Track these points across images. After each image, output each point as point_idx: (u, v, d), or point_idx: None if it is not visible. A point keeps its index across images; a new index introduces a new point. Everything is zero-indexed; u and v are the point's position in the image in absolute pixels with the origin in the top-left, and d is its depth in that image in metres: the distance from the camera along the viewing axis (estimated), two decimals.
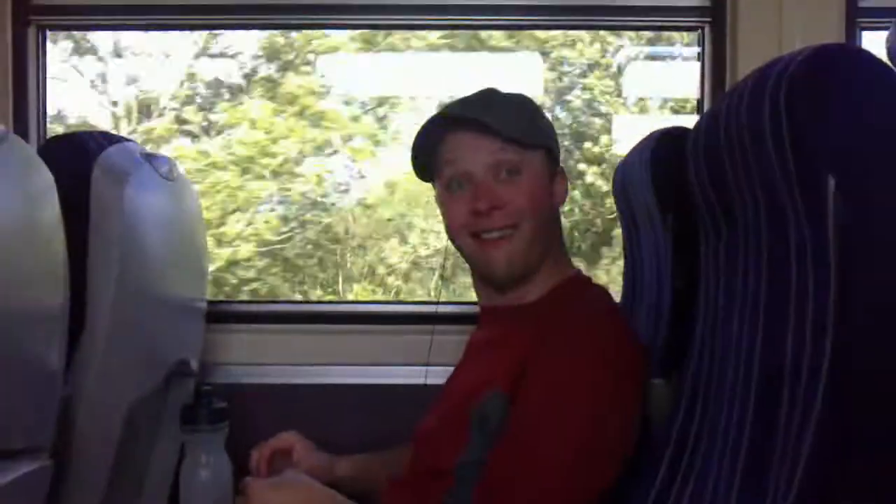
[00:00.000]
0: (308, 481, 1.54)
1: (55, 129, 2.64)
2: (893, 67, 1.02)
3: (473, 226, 1.51)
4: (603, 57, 4.18)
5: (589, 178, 4.14)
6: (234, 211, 4.24)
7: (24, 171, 1.39)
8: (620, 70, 4.05)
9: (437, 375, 1.81)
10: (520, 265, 1.52)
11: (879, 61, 0.98)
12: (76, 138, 1.73)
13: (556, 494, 1.32)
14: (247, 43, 3.85)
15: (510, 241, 1.50)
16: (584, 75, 4.11)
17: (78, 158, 1.64)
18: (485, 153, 1.49)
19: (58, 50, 3.32)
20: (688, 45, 2.75)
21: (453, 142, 1.52)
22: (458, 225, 1.53)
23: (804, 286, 0.99)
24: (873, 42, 2.28)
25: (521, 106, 1.58)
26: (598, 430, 1.35)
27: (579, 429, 1.34)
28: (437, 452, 1.52)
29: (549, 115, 1.68)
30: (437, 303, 2.05)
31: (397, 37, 3.17)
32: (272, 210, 4.36)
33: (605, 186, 4.05)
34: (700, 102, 2.37)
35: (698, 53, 2.37)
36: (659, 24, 2.43)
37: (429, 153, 1.55)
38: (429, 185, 1.63)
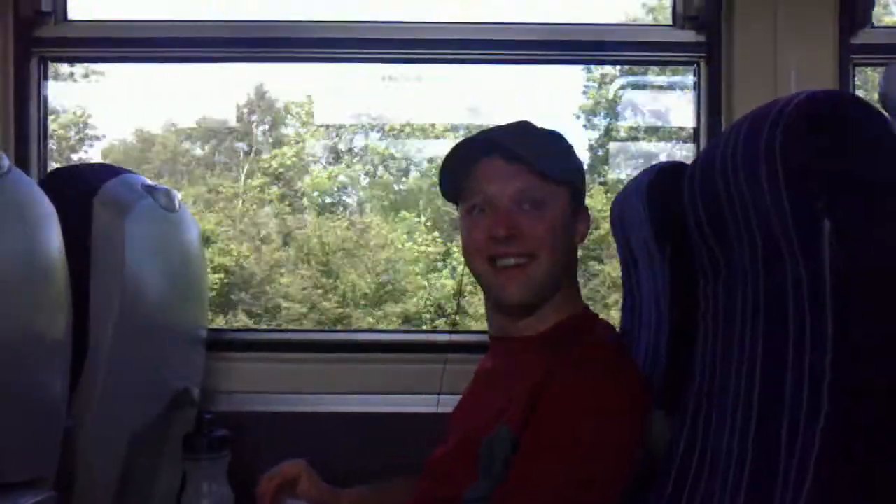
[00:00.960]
0: None
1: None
2: (884, 112, 1.05)
3: (490, 251, 1.52)
4: None
5: None
6: None
7: (26, 203, 1.41)
8: None
9: (447, 404, 1.82)
10: (532, 295, 1.54)
11: (871, 107, 1.00)
12: (77, 171, 1.76)
13: None
14: None
15: (525, 270, 1.52)
16: None
17: (79, 190, 1.66)
18: (512, 182, 1.51)
19: None
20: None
21: (483, 167, 1.54)
22: (474, 249, 1.55)
23: (801, 325, 1.01)
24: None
25: (554, 141, 1.61)
26: (602, 463, 1.36)
27: (584, 461, 1.35)
28: (444, 485, 1.53)
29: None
30: (450, 332, 2.06)
31: None
32: None
33: None
34: (696, 134, 2.40)
35: (694, 84, 2.39)
36: (655, 58, 2.46)
37: (458, 175, 1.57)
38: None
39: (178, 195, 1.96)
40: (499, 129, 1.59)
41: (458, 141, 1.56)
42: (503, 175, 1.52)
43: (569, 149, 1.63)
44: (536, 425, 1.39)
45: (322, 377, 2.27)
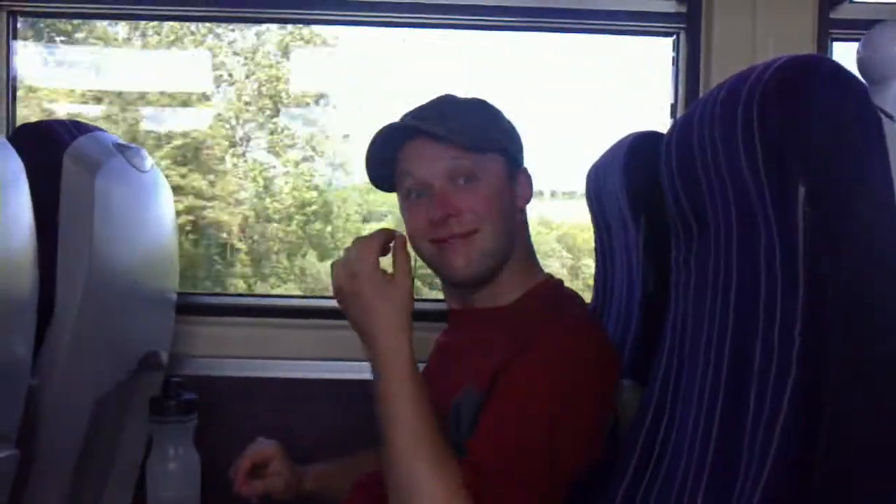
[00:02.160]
0: None
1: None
2: (863, 80, 1.04)
3: (432, 234, 1.50)
4: None
5: None
6: None
7: None
8: None
9: None
10: (480, 266, 1.52)
11: (849, 73, 1.00)
12: (47, 127, 1.73)
13: (524, 485, 1.31)
14: None
15: (469, 241, 1.50)
16: None
17: (49, 147, 1.64)
18: (440, 161, 1.49)
19: None
20: None
21: (409, 151, 1.52)
22: (417, 235, 1.53)
23: (773, 292, 1.01)
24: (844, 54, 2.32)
25: (475, 110, 1.58)
26: (570, 413, 1.35)
27: (549, 423, 1.34)
28: None
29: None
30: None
31: None
32: None
33: None
34: (674, 107, 2.39)
35: (673, 58, 2.38)
36: (633, 28, 2.44)
37: (385, 163, 1.55)
38: None
39: (148, 155, 1.93)
40: (418, 109, 1.57)
41: (375, 133, 1.53)
42: (430, 156, 1.49)
43: (494, 115, 1.60)
44: (503, 385, 1.38)
45: (292, 343, 2.25)
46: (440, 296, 1.71)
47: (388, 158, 1.55)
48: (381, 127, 1.53)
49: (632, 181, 1.61)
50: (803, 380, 0.94)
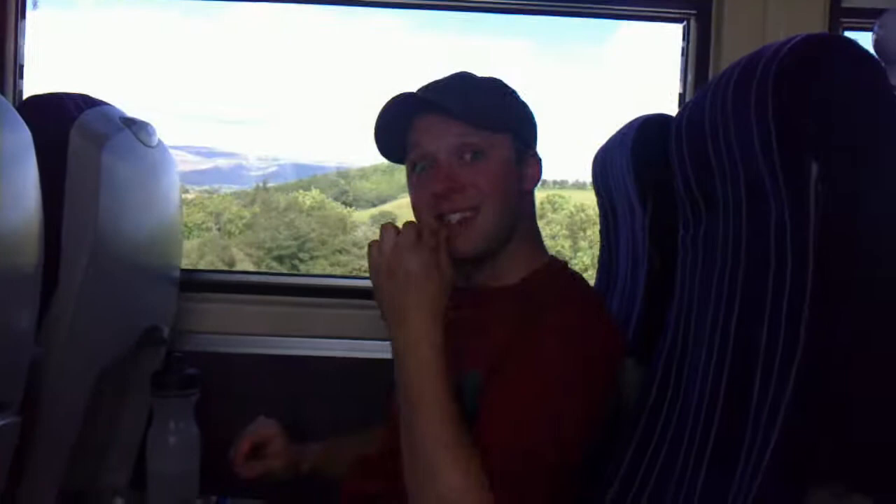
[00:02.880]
0: None
1: None
2: (880, 60, 1.04)
3: (435, 208, 1.50)
4: None
5: None
6: None
7: (3, 128, 1.37)
8: None
9: None
10: (480, 246, 1.51)
11: (866, 51, 0.99)
12: (55, 99, 1.72)
13: (537, 468, 1.31)
14: None
15: (472, 222, 1.49)
16: None
17: (56, 120, 1.63)
18: (449, 136, 1.49)
19: None
20: None
21: (419, 124, 1.52)
22: (421, 207, 1.53)
23: (782, 270, 1.00)
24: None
25: (490, 89, 1.57)
26: (573, 399, 1.34)
27: (554, 395, 1.33)
28: None
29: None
30: None
31: None
32: None
33: None
34: (682, 96, 2.38)
35: (682, 47, 2.37)
36: (644, 13, 2.43)
37: (395, 133, 1.55)
38: None
39: (157, 131, 1.93)
40: (433, 83, 1.56)
41: (388, 99, 1.51)
42: (439, 129, 1.49)
43: (508, 95, 1.59)
44: (509, 363, 1.38)
45: (295, 321, 2.25)
46: None
47: (398, 130, 1.54)
48: (393, 95, 1.52)
49: (640, 162, 1.61)
50: (810, 358, 0.94)
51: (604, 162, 1.84)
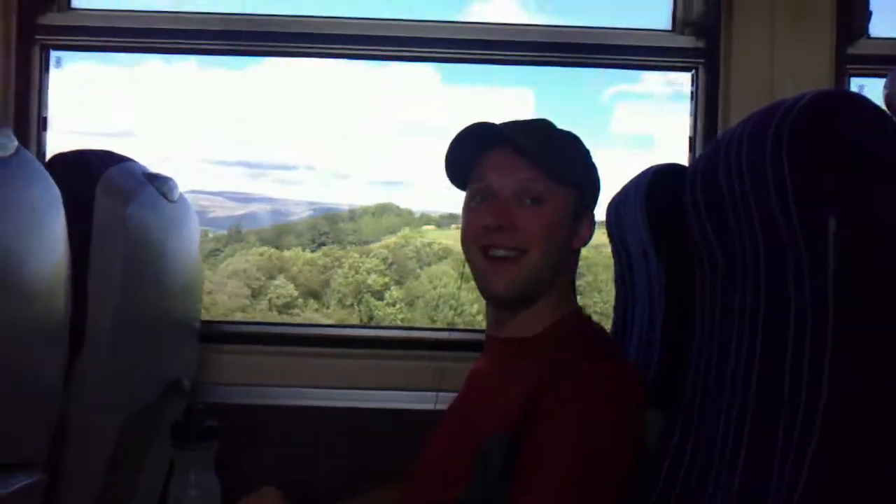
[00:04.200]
0: None
1: None
2: (891, 115, 1.06)
3: (483, 239, 1.53)
4: None
5: None
6: None
7: (33, 185, 1.41)
8: None
9: (444, 401, 1.82)
10: (516, 290, 1.53)
11: (877, 107, 1.02)
12: (80, 156, 1.75)
13: None
14: None
15: (514, 263, 1.51)
16: None
17: (82, 176, 1.66)
18: (515, 174, 1.52)
19: None
20: None
21: (491, 157, 1.55)
22: (470, 236, 1.56)
23: (803, 322, 1.02)
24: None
25: (565, 143, 1.60)
26: (603, 466, 1.36)
27: (585, 465, 1.35)
28: (439, 486, 1.53)
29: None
30: (448, 329, 2.06)
31: None
32: None
33: None
34: (692, 140, 2.41)
35: (692, 92, 2.41)
36: (653, 63, 2.47)
37: (465, 161, 1.58)
38: None
39: (178, 185, 1.96)
40: (514, 122, 1.59)
41: (465, 126, 1.55)
42: (508, 166, 1.52)
43: (581, 153, 1.62)
44: (534, 438, 1.39)
45: (315, 371, 2.26)
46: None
47: (469, 158, 1.57)
48: (472, 123, 1.54)
49: (653, 213, 1.62)
50: (833, 412, 0.96)
51: (618, 210, 1.87)
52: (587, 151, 1.63)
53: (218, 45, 2.50)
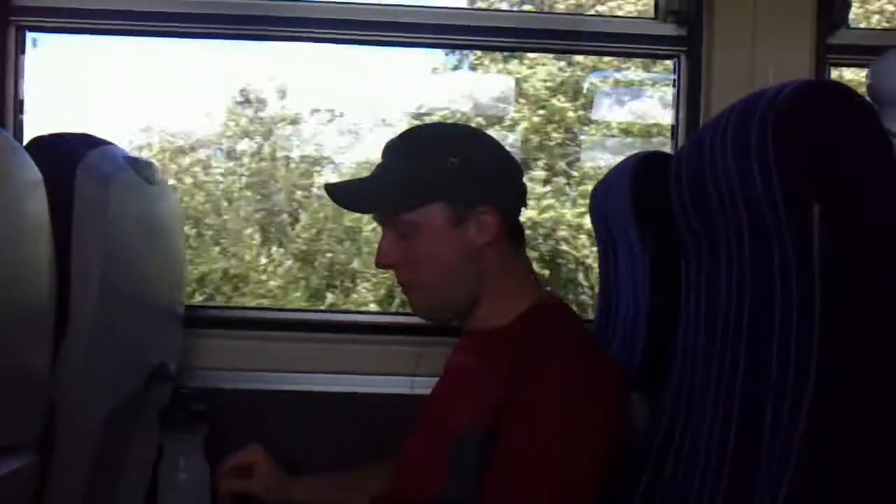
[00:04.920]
0: None
1: None
2: (873, 104, 1.08)
3: None
4: None
5: None
6: None
7: (13, 167, 1.40)
8: None
9: (421, 386, 1.88)
10: (431, 313, 1.62)
11: (860, 96, 1.04)
12: (59, 140, 1.73)
13: None
14: None
15: (411, 295, 1.59)
16: None
17: (62, 160, 1.64)
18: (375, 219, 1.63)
19: None
20: None
21: None
22: None
23: (788, 307, 1.04)
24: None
25: (417, 162, 1.55)
26: (577, 468, 1.38)
27: (558, 469, 1.37)
28: (416, 485, 1.56)
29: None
30: None
31: None
32: None
33: None
34: (674, 128, 2.43)
35: (674, 80, 2.42)
36: (635, 51, 2.49)
37: None
38: None
39: (159, 168, 1.96)
40: (347, 183, 1.74)
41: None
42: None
43: (431, 160, 1.53)
44: (506, 436, 1.41)
45: (298, 356, 2.27)
46: None
47: None
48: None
49: (638, 200, 1.64)
50: (820, 394, 0.97)
51: (602, 199, 1.88)
52: (440, 151, 1.54)
53: (212, 29, 2.49)
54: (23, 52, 2.44)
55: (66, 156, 1.65)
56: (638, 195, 1.64)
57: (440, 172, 1.52)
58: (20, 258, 1.39)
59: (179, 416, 1.83)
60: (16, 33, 2.40)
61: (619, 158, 1.82)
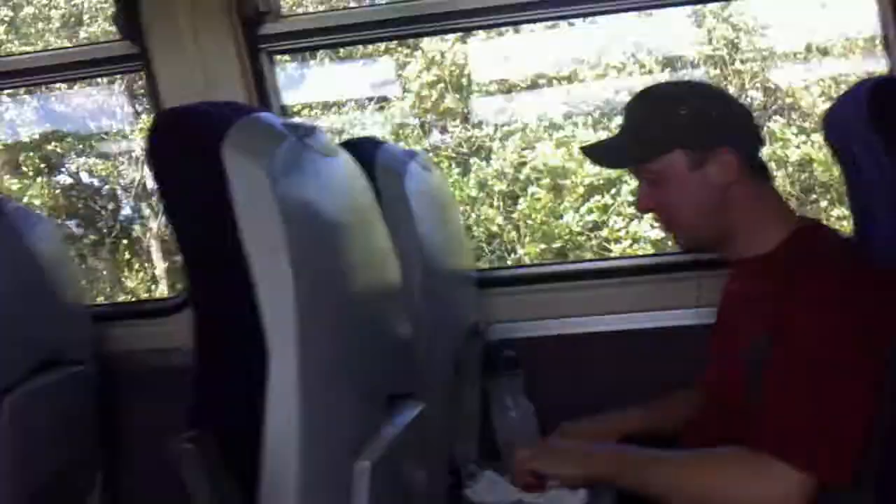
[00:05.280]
0: None
1: None
2: None
3: None
4: None
5: None
6: None
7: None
8: None
9: (704, 317, 1.99)
10: (690, 246, 1.80)
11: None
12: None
13: (830, 436, 1.45)
14: None
15: (672, 232, 1.78)
16: None
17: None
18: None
19: None
20: None
21: None
22: None
23: None
24: None
25: (651, 114, 1.74)
26: (844, 377, 1.46)
27: (822, 388, 1.47)
28: (721, 403, 1.70)
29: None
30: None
31: None
32: None
33: None
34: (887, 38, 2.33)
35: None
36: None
37: None
38: None
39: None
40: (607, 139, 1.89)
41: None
42: None
43: (668, 112, 1.70)
44: (775, 351, 1.52)
45: (582, 302, 2.45)
46: None
47: None
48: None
49: (881, 121, 1.64)
50: None
51: (838, 124, 1.87)
52: (672, 104, 1.71)
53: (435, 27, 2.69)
54: (274, 75, 2.66)
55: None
56: (879, 118, 1.65)
57: (671, 123, 1.69)
58: (382, 244, 1.63)
59: (499, 364, 2.07)
60: (268, 58, 2.61)
61: None
